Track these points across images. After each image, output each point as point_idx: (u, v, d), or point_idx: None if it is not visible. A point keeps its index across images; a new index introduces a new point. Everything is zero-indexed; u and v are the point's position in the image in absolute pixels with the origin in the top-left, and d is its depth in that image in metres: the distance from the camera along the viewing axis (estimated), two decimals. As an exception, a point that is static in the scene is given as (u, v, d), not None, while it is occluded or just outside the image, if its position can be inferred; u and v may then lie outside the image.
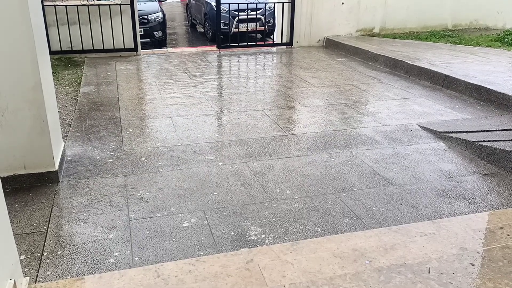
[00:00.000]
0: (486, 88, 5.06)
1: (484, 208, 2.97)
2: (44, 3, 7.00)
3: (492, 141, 3.77)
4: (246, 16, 9.00)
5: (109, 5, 7.55)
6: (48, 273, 2.32)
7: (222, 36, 8.46)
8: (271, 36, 10.40)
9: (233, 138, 4.11)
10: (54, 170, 3.23)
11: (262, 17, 9.48)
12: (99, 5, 7.56)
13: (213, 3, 9.24)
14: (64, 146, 3.70)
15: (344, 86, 5.91)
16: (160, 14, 10.49)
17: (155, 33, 10.25)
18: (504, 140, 3.78)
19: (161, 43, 10.50)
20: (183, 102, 5.18)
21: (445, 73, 5.74)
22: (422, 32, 9.45)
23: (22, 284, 2.01)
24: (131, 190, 3.16)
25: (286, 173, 3.44)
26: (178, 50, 8.70)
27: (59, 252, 2.48)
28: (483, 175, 3.44)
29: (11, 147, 3.09)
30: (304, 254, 2.21)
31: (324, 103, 5.16)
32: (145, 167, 3.53)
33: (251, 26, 9.37)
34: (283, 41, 8.70)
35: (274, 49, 8.68)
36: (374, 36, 9.04)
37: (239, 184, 3.26)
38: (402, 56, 6.87)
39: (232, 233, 2.67)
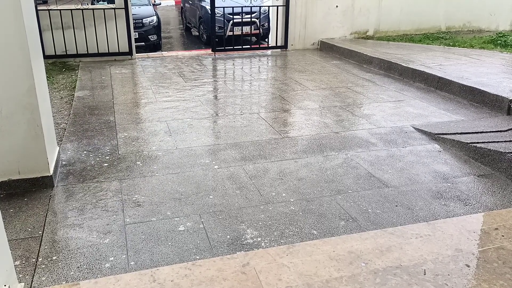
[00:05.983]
0: (480, 89, 5.09)
1: (479, 209, 2.99)
2: (38, 8, 6.99)
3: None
4: (240, 20, 9.01)
5: (104, 9, 7.54)
6: (43, 278, 2.31)
7: (217, 40, 8.47)
8: (266, 39, 10.41)
9: (229, 141, 4.11)
10: (49, 175, 3.22)
11: (257, 20, 9.50)
12: (93, 9, 7.55)
13: (208, 7, 9.25)
14: (59, 150, 3.68)
15: (338, 88, 5.93)
16: (154, 18, 10.48)
17: (149, 36, 10.24)
18: (498, 141, 3.81)
19: (156, 47, 10.49)
20: (178, 106, 5.17)
21: (439, 75, 5.77)
22: (416, 34, 9.51)
23: (17, 290, 1.99)
24: (127, 194, 3.15)
25: (281, 176, 3.45)
26: (173, 53, 8.69)
27: (54, 258, 2.47)
28: (478, 176, 3.46)
29: (5, 152, 3.08)
30: (300, 257, 2.21)
31: (319, 106, 5.18)
32: (140, 171, 3.52)
33: (246, 29, 9.39)
34: (277, 44, 8.71)
35: (269, 52, 8.70)
36: (368, 39, 9.08)
37: (235, 188, 3.26)
38: (396, 58, 6.90)
39: (228, 236, 2.67)
